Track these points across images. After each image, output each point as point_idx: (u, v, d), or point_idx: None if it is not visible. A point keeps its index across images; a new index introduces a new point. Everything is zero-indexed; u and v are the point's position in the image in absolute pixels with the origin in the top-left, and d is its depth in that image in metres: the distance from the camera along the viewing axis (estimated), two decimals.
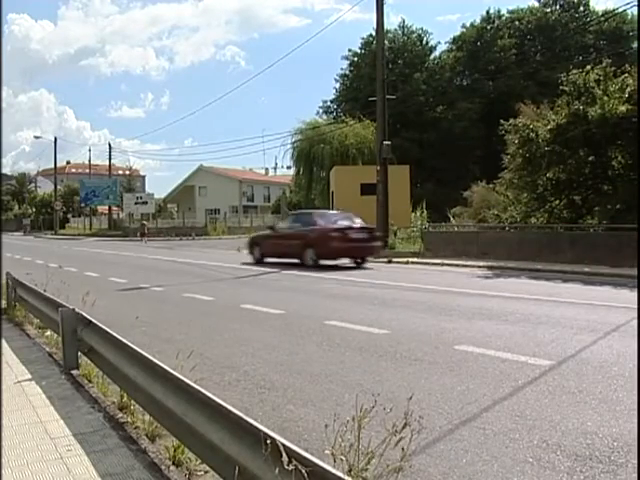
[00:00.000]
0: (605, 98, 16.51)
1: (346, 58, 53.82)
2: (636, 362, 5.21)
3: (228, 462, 2.74)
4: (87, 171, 68.96)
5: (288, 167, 47.22)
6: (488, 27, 51.22)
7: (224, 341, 7.24)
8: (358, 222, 17.58)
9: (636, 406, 4.09)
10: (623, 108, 15.94)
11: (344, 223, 17.32)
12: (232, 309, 9.68)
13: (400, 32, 53.45)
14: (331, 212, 21.07)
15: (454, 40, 52.79)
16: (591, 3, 51.89)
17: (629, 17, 43.10)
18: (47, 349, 6.65)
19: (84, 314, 5.52)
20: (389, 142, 21.55)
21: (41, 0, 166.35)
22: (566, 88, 17.79)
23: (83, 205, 60.40)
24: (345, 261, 17.49)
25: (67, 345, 5.62)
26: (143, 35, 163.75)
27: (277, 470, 2.28)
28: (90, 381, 5.29)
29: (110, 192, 57.03)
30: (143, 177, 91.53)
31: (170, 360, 4.00)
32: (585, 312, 8.69)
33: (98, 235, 49.98)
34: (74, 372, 5.57)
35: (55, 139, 60.42)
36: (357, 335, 7.20)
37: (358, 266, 16.96)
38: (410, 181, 28.58)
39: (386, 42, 36.79)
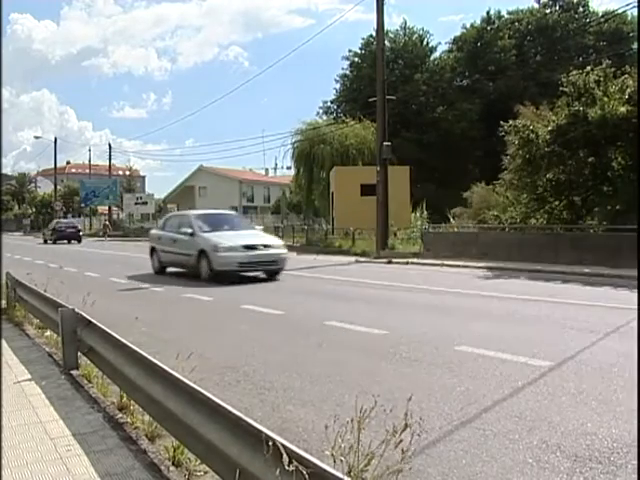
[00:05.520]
0: (605, 99, 16.50)
1: (346, 58, 53.76)
2: (636, 363, 5.21)
3: (228, 462, 2.75)
4: (87, 171, 68.97)
5: (288, 167, 47.20)
6: (488, 28, 51.13)
7: (224, 341, 7.25)
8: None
9: (636, 407, 4.09)
10: (623, 109, 15.93)
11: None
12: (232, 309, 9.68)
13: (401, 33, 53.43)
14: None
15: (454, 41, 52.74)
16: (591, 4, 51.89)
17: (629, 18, 42.99)
18: (47, 349, 6.65)
19: (84, 314, 5.53)
20: (389, 143, 21.55)
21: (44, 0, 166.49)
22: (566, 89, 17.78)
23: (83, 205, 60.41)
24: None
25: (67, 345, 5.62)
26: (146, 35, 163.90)
27: (278, 471, 2.28)
28: (90, 381, 5.28)
29: (110, 192, 57.05)
30: (143, 177, 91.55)
31: (170, 360, 4.00)
32: (585, 313, 8.69)
33: (98, 235, 50.04)
34: (74, 372, 5.57)
35: (55, 139, 60.52)
36: (357, 336, 7.20)
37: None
38: (410, 182, 28.58)
39: (387, 43, 36.79)
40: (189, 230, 14.40)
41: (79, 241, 38.90)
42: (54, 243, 37.82)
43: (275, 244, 14.35)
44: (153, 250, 16.14)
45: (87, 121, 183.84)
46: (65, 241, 38.35)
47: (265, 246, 13.75)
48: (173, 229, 15.48)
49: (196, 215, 15.95)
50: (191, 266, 14.10)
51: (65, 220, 45.40)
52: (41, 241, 40.84)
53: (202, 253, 13.59)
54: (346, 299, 10.72)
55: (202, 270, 13.59)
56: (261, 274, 14.06)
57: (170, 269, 15.58)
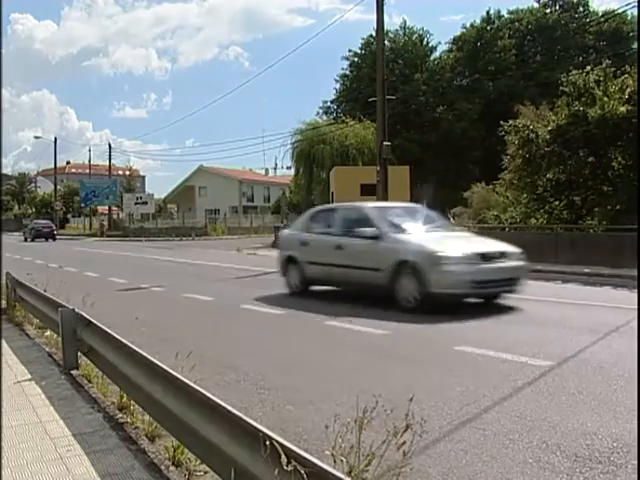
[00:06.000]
0: (605, 99, 16.52)
1: (346, 58, 53.79)
2: (636, 363, 5.21)
3: (227, 462, 2.74)
4: (87, 171, 68.93)
5: (288, 167, 47.15)
6: (488, 27, 51.18)
7: (224, 341, 7.24)
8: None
9: (636, 407, 4.09)
10: (623, 109, 15.95)
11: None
12: (232, 309, 9.67)
13: (401, 32, 53.47)
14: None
15: (454, 40, 52.77)
16: (591, 4, 51.88)
17: (629, 18, 43.02)
18: (47, 349, 6.64)
19: (84, 314, 5.52)
20: (389, 142, 21.49)
21: (44, 0, 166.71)
22: (566, 89, 17.81)
23: (83, 205, 60.43)
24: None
25: (67, 345, 5.62)
26: (147, 35, 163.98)
27: (276, 471, 2.27)
28: (90, 381, 5.28)
29: (110, 192, 57.02)
30: (143, 177, 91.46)
31: (170, 360, 4.00)
32: (585, 313, 8.69)
33: (98, 235, 50.23)
34: (74, 372, 5.57)
35: (55, 139, 60.47)
36: (357, 335, 7.20)
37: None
38: (410, 182, 28.54)
39: (387, 42, 36.77)
40: (371, 231, 9.58)
41: (54, 239, 43.01)
42: (32, 240, 41.94)
43: (511, 251, 9.62)
44: (290, 261, 11.19)
45: (87, 121, 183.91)
46: (43, 239, 42.31)
47: (501, 254, 9.32)
48: (333, 230, 10.63)
49: (374, 208, 10.72)
50: (380, 286, 9.25)
51: (42, 221, 49.38)
52: (22, 239, 44.63)
53: (403, 266, 8.92)
54: (345, 299, 10.70)
55: (403, 292, 8.93)
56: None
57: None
